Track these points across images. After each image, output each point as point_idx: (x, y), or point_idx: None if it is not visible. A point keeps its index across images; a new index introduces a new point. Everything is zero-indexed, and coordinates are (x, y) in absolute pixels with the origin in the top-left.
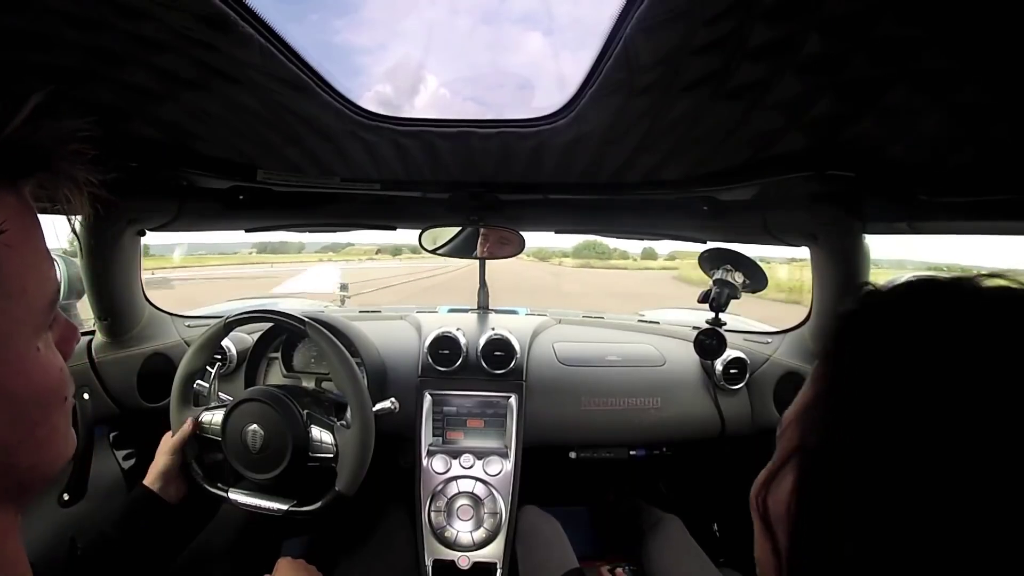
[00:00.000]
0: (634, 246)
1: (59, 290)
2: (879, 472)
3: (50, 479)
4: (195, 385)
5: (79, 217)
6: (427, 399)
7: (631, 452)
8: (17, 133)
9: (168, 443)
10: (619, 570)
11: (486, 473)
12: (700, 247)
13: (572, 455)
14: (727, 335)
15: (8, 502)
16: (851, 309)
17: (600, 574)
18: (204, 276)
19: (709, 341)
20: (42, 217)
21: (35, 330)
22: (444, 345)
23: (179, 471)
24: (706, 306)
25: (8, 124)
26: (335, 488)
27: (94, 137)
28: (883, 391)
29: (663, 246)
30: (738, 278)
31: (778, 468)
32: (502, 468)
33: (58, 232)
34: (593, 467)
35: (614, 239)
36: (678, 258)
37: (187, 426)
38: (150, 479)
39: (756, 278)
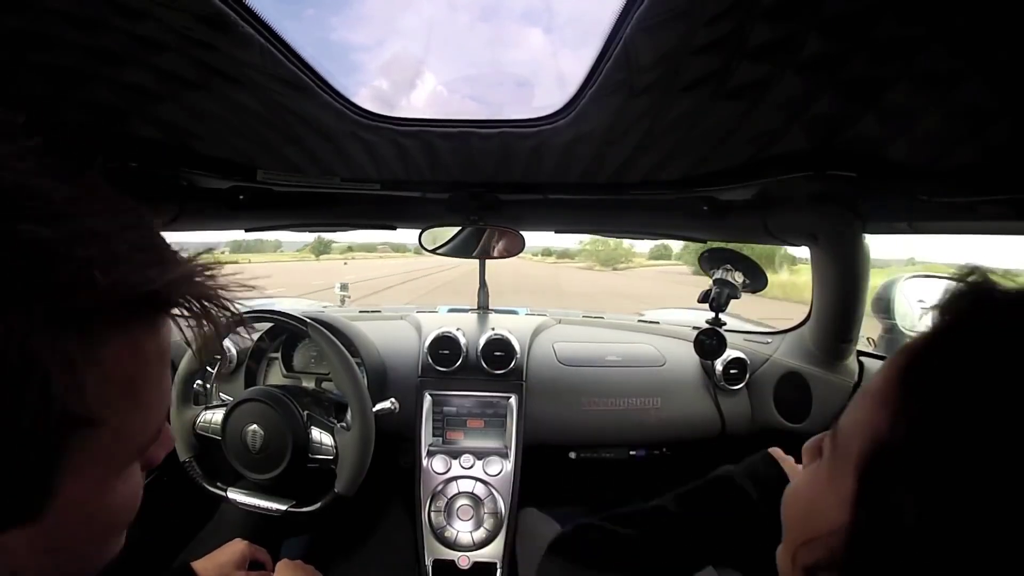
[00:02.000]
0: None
1: (161, 427)
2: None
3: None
4: (195, 385)
5: None
6: (427, 399)
7: (631, 452)
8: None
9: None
10: None
11: (486, 473)
12: None
13: (572, 455)
14: (727, 335)
15: None
16: (956, 321)
17: None
18: None
19: (709, 341)
20: None
21: (124, 464)
22: (444, 345)
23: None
24: (706, 306)
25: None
26: (334, 489)
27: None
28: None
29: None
30: (738, 278)
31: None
32: (502, 468)
33: None
34: (593, 467)
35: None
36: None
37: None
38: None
39: (756, 278)
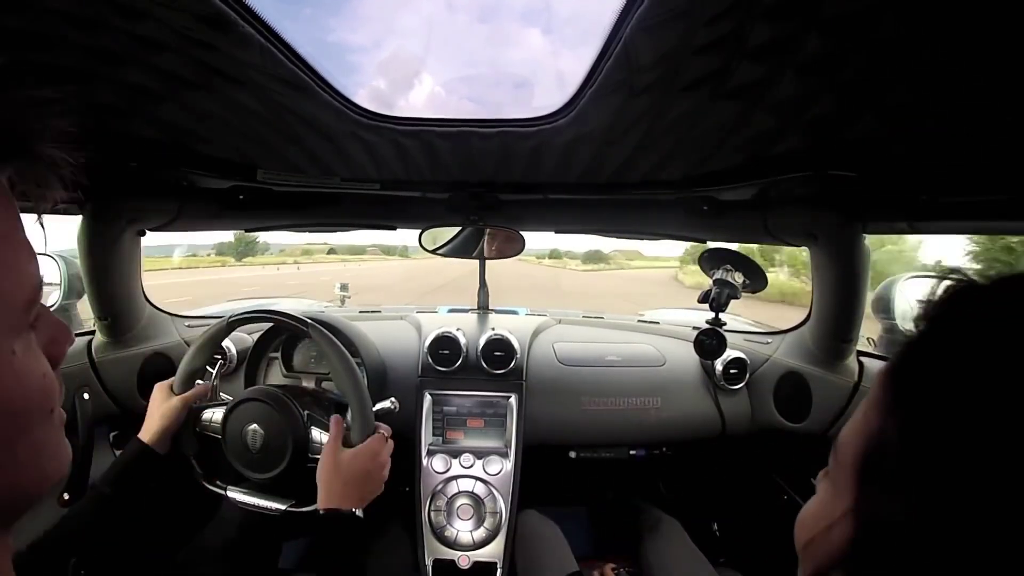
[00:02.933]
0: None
1: (40, 287)
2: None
3: (39, 498)
4: (196, 383)
5: (79, 216)
6: (427, 399)
7: (631, 452)
8: None
9: (172, 400)
10: (620, 570)
11: (486, 473)
12: None
13: (572, 455)
14: (727, 335)
15: None
16: (937, 314)
17: (602, 572)
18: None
19: (709, 341)
20: (46, 218)
21: (9, 332)
22: (444, 345)
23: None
24: (706, 306)
25: None
26: None
27: (68, 107)
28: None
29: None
30: (738, 278)
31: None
32: (502, 468)
33: (58, 232)
34: (593, 467)
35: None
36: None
37: (201, 389)
38: (149, 436)
39: (756, 278)
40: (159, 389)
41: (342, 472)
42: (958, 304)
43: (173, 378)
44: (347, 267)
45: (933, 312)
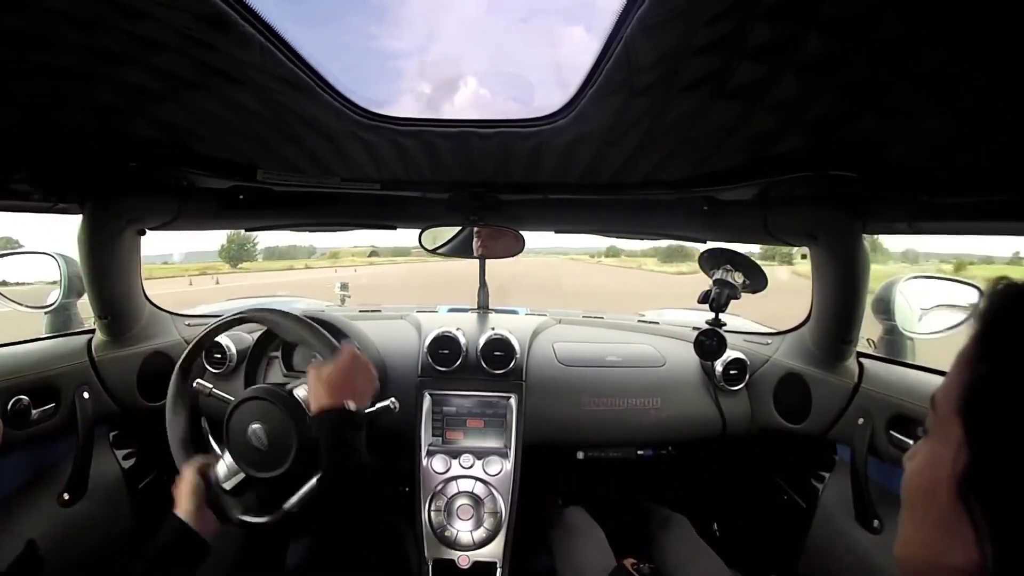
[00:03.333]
0: None
1: None
2: None
3: None
4: (195, 384)
5: (79, 216)
6: (427, 399)
7: (639, 452)
8: None
9: (188, 476)
10: (641, 565)
11: (486, 473)
12: None
13: (580, 455)
14: (727, 336)
15: None
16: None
17: (624, 567)
18: None
19: (709, 342)
20: (42, 217)
21: None
22: (444, 345)
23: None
24: (706, 306)
25: None
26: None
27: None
28: None
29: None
30: (738, 278)
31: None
32: (502, 468)
33: (58, 232)
34: (601, 467)
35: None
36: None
37: (191, 476)
38: (184, 514)
39: (756, 278)
40: (187, 471)
41: (326, 379)
42: (1016, 291)
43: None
44: (399, 267)
45: (998, 296)
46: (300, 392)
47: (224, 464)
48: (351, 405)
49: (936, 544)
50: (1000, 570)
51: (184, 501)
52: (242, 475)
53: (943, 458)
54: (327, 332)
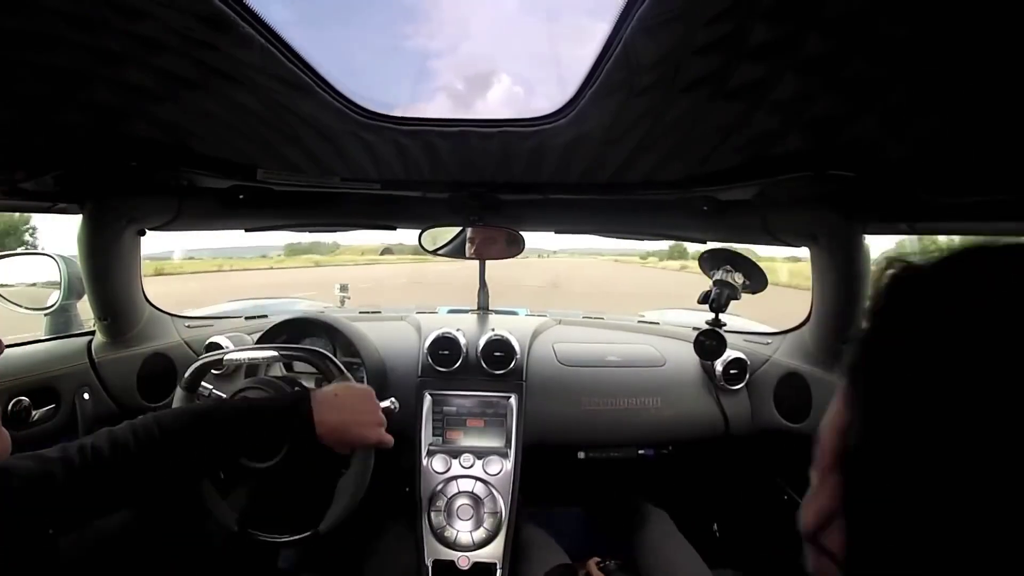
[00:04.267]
0: None
1: None
2: (929, 463)
3: None
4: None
5: (79, 216)
6: (427, 399)
7: (640, 452)
8: None
9: None
10: (607, 563)
11: (486, 473)
12: None
13: (580, 455)
14: (727, 335)
15: None
16: (883, 291)
17: (587, 568)
18: None
19: (709, 342)
20: (47, 217)
21: None
22: (444, 345)
23: None
24: (706, 306)
25: None
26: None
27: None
28: (927, 377)
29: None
30: (738, 279)
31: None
32: (502, 468)
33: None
34: (603, 467)
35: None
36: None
37: None
38: None
39: (756, 278)
40: None
41: (337, 400)
42: (900, 292)
43: None
44: (428, 267)
45: (880, 303)
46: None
47: None
48: (345, 451)
49: (820, 514)
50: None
51: None
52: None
53: (827, 506)
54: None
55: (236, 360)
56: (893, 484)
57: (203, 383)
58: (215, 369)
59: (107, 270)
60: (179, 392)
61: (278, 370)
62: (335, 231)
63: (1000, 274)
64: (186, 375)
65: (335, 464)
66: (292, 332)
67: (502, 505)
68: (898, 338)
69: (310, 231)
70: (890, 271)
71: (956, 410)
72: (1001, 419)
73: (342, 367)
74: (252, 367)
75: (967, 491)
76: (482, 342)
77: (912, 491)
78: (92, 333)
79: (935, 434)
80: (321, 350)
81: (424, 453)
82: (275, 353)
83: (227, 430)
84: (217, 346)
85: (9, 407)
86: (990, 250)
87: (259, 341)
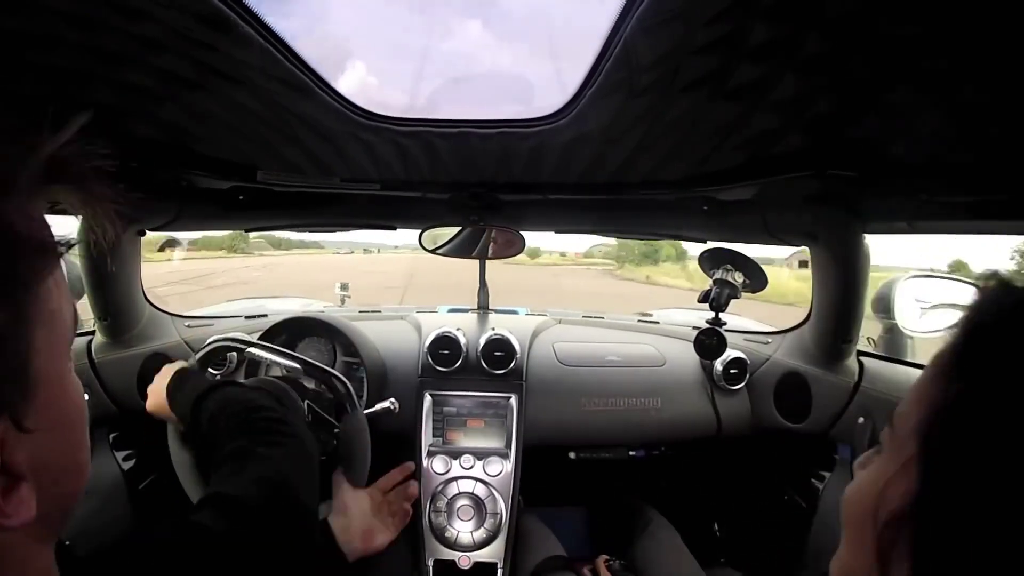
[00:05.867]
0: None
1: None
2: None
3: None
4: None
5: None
6: (427, 399)
7: (631, 452)
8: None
9: None
10: (612, 562)
11: (486, 473)
12: None
13: (571, 455)
14: (727, 335)
15: (53, 533)
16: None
17: (595, 565)
18: None
19: (709, 341)
20: (47, 218)
21: (68, 351)
22: (444, 345)
23: None
24: (706, 306)
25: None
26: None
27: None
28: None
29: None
30: (738, 278)
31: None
32: (502, 468)
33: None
34: (593, 467)
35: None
36: None
37: None
38: None
39: (756, 278)
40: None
41: (351, 508)
42: (1010, 297)
43: None
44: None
45: (987, 304)
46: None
47: None
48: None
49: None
50: None
51: None
52: None
53: (891, 480)
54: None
55: (257, 356)
56: (985, 453)
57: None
58: (215, 369)
59: (107, 270)
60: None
61: (278, 370)
62: (335, 231)
63: None
64: (202, 351)
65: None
66: (292, 332)
67: (502, 506)
68: (1006, 341)
69: (310, 231)
70: (995, 280)
71: None
72: None
73: (355, 402)
74: (251, 370)
75: None
76: (482, 341)
77: (1000, 464)
78: (92, 333)
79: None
80: (342, 378)
81: (424, 454)
82: (298, 366)
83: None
84: None
85: None
86: None
87: (260, 340)
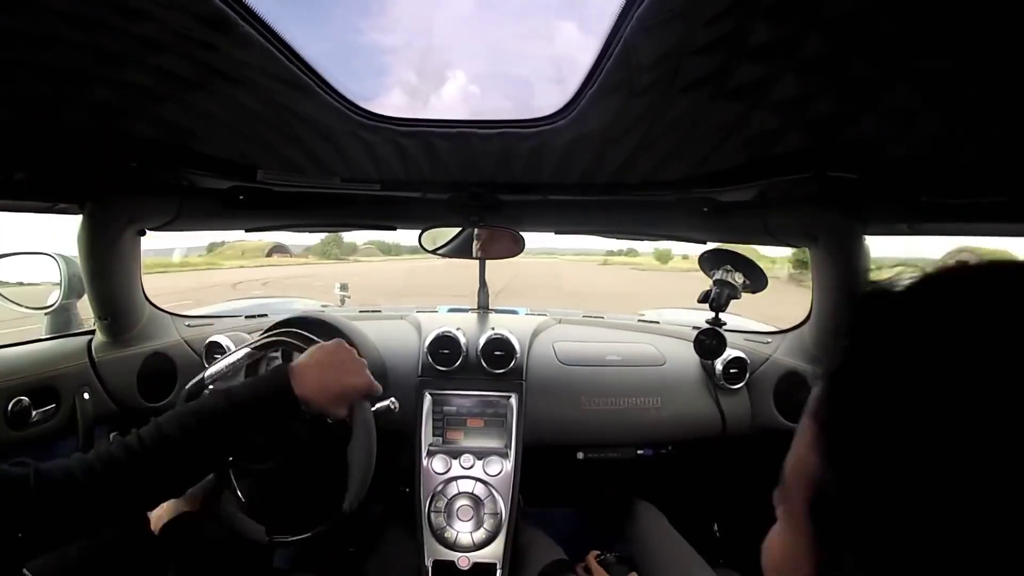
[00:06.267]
0: None
1: None
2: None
3: None
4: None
5: (79, 216)
6: (427, 399)
7: (639, 452)
8: None
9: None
10: (606, 556)
11: (486, 473)
12: None
13: (580, 455)
14: (727, 335)
15: None
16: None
17: (586, 562)
18: None
19: (709, 341)
20: (42, 217)
21: None
22: (444, 345)
23: None
24: (706, 306)
25: None
26: (342, 507)
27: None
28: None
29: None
30: (738, 278)
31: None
32: (502, 468)
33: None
34: (601, 467)
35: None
36: None
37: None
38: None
39: (756, 278)
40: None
41: (313, 359)
42: (872, 325)
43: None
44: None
45: (850, 337)
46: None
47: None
48: (341, 412)
49: (788, 556)
50: None
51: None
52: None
53: (795, 551)
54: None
55: (214, 374)
56: (869, 540)
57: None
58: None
59: (107, 270)
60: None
61: None
62: (335, 231)
63: (987, 299)
64: (183, 395)
65: (337, 441)
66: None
67: (502, 506)
68: (873, 378)
69: (310, 232)
70: (864, 297)
71: (943, 460)
72: (995, 475)
73: (311, 336)
74: (253, 365)
75: (956, 548)
76: (482, 341)
77: (890, 548)
78: (92, 332)
79: (920, 493)
80: (289, 329)
81: (424, 453)
82: (247, 350)
83: (216, 425)
84: (217, 345)
85: (9, 407)
86: (966, 272)
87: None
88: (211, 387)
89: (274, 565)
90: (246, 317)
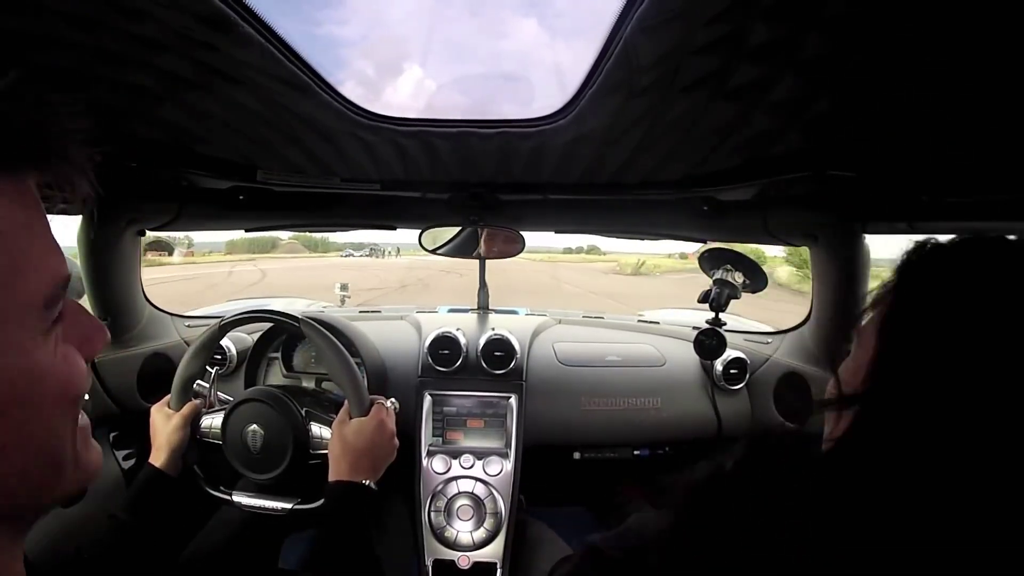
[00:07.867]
0: None
1: (63, 283)
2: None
3: (55, 496)
4: (195, 386)
5: (79, 216)
6: (427, 399)
7: (635, 452)
8: (21, 118)
9: (173, 420)
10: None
11: (486, 473)
12: None
13: (576, 456)
14: (727, 335)
15: (18, 530)
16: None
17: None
18: None
19: (709, 341)
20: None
21: (21, 326)
22: (444, 345)
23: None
24: (706, 306)
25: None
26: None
27: (85, 108)
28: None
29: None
30: (738, 278)
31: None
32: (502, 468)
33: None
34: (598, 468)
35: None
36: None
37: (199, 404)
38: (160, 459)
39: (756, 278)
40: (157, 411)
41: (349, 444)
42: (927, 262)
43: (167, 396)
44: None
45: (917, 253)
46: (316, 430)
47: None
48: (371, 484)
49: (855, 369)
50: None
51: (174, 434)
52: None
53: (860, 360)
54: (360, 382)
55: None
56: (906, 416)
57: (202, 382)
58: (210, 367)
59: (107, 270)
60: (173, 391)
61: (278, 370)
62: (335, 231)
63: (1007, 257)
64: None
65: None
66: (288, 329)
67: (502, 505)
68: (929, 299)
69: (310, 231)
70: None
71: (974, 362)
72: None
73: (299, 317)
74: (252, 369)
75: (973, 423)
76: (482, 341)
77: (922, 425)
78: None
79: (956, 380)
80: (273, 309)
81: (424, 453)
82: (222, 327)
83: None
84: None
85: None
86: (1000, 239)
87: (259, 340)
88: (210, 387)
89: (280, 567)
90: None
